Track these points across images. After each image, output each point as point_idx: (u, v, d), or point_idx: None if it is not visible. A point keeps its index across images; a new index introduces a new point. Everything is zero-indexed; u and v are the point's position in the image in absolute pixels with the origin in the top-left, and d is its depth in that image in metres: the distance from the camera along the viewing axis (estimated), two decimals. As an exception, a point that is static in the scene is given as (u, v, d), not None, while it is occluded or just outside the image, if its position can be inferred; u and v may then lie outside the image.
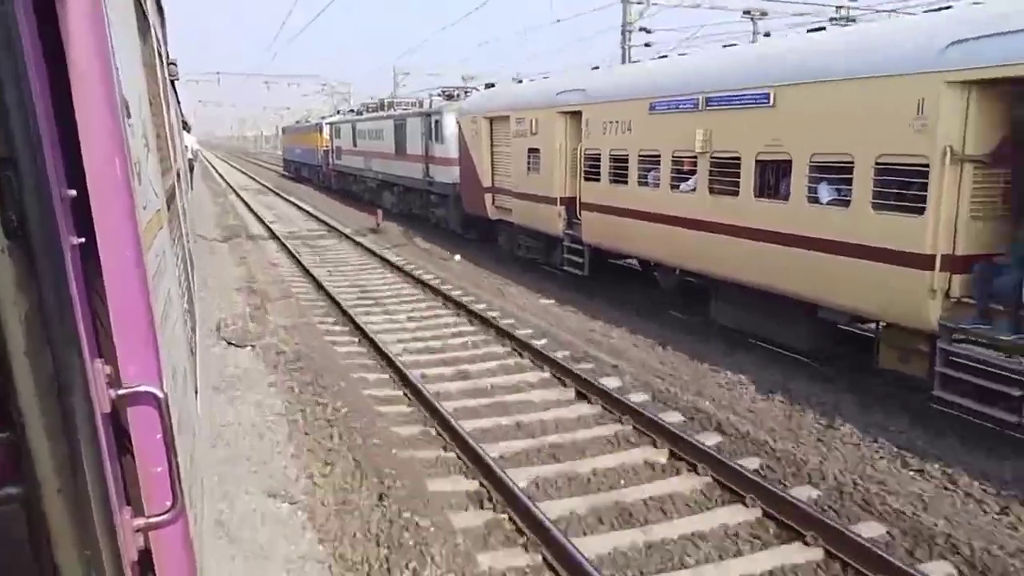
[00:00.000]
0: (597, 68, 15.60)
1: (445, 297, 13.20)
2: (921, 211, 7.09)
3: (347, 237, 21.48)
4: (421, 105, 25.60)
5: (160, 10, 5.38)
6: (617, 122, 12.11)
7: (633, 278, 14.43)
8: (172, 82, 8.19)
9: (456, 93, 22.51)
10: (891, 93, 7.31)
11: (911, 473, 6.40)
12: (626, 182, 11.91)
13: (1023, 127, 6.63)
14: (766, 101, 8.94)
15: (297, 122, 51.18)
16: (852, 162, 7.81)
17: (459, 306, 12.42)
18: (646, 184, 11.45)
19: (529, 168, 15.16)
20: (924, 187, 7.05)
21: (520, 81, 19.15)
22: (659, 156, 11.06)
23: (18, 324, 1.24)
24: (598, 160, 12.68)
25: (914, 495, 5.91)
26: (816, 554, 5.19)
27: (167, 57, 6.68)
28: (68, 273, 1.28)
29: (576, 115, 13.37)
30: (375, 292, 14.30)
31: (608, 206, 12.53)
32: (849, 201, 7.91)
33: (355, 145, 31.19)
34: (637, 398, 8.07)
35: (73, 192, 1.35)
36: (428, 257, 18.18)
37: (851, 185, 7.87)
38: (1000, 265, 6.61)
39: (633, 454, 6.85)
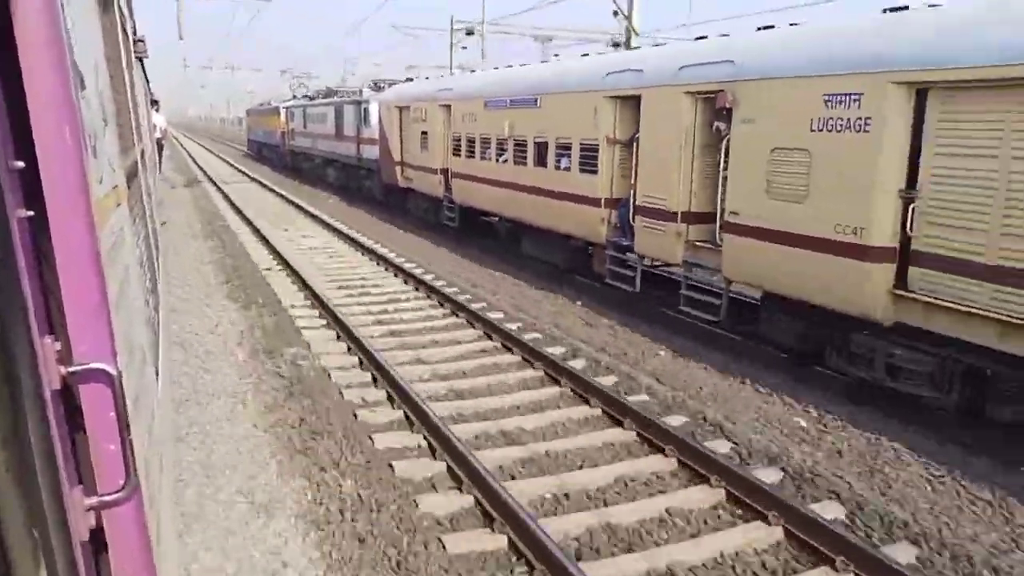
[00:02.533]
0: (467, 71, 20.46)
1: (350, 240, 18.01)
2: (596, 172, 12.07)
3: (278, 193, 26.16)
4: (360, 94, 30.20)
5: None
6: (470, 114, 16.96)
7: (491, 230, 19.32)
8: (140, 60, 8.07)
9: (382, 85, 27.14)
10: (584, 102, 12.26)
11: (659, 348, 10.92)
12: (474, 157, 16.79)
13: (641, 123, 11.52)
14: (535, 104, 13.87)
15: (260, 105, 55.19)
16: (571, 143, 12.77)
17: (369, 251, 17.24)
18: (486, 159, 16.32)
19: (422, 147, 19.97)
20: (597, 158, 12.02)
21: (426, 78, 23.94)
22: (490, 138, 15.94)
23: None
24: (460, 141, 17.54)
25: (659, 360, 10.28)
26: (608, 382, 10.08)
27: (134, 33, 6.57)
28: (15, 246, 1.24)
29: (447, 107, 18.21)
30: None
31: (467, 174, 17.40)
32: (570, 167, 12.87)
33: (305, 127, 35.68)
34: (461, 298, 12.88)
35: (21, 163, 1.31)
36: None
37: (570, 158, 12.83)
38: (624, 202, 11.61)
39: (458, 328, 11.72)
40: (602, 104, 11.80)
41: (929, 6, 7.74)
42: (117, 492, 1.48)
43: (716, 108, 9.36)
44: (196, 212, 23.44)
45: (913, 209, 7.17)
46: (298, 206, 24.67)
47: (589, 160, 12.31)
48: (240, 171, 39.96)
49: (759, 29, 9.90)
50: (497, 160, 15.68)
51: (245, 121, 64.56)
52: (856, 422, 7.32)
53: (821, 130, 7.90)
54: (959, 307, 6.74)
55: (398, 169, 22.10)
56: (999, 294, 6.47)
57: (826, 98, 7.81)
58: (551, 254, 14.63)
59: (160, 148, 24.98)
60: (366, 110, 25.77)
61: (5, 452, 1.22)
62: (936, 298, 6.98)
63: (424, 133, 19.76)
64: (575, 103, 12.55)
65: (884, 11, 8.14)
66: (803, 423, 7.37)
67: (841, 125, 7.67)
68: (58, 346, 1.40)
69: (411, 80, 25.15)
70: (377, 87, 27.45)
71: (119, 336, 1.63)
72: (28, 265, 1.30)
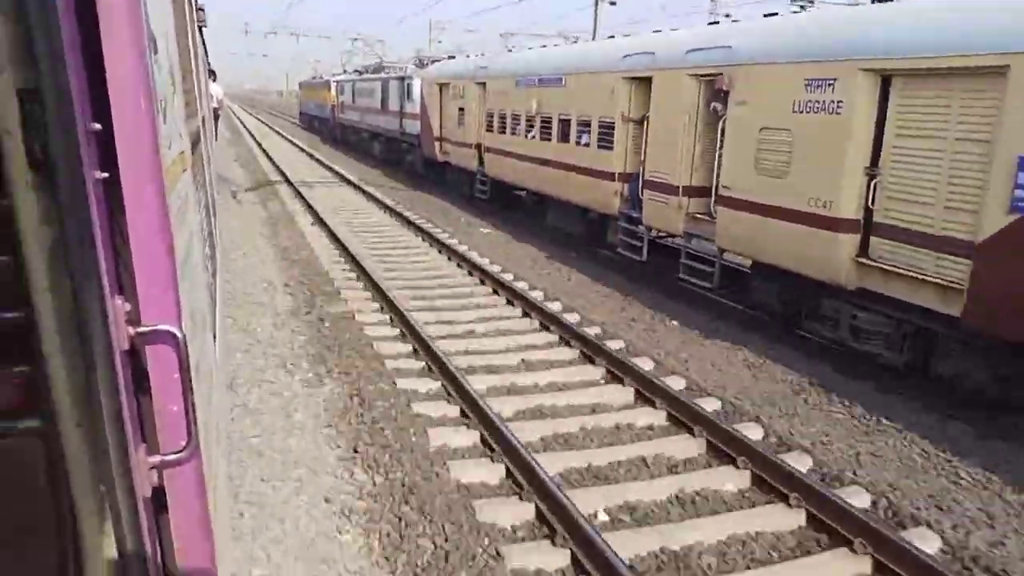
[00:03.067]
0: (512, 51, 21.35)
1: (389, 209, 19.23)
2: (612, 148, 12.96)
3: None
4: (405, 70, 31.33)
5: None
6: (503, 91, 17.92)
7: (520, 204, 20.31)
8: (200, 28, 8.42)
9: (426, 62, 28.21)
10: (603, 82, 13.12)
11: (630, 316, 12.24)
12: (505, 132, 17.77)
13: (652, 103, 12.32)
14: (561, 83, 14.77)
15: (312, 79, 56.86)
16: (591, 121, 13.66)
17: (410, 224, 18.46)
18: (516, 135, 17.29)
19: (459, 122, 21.01)
20: (613, 135, 12.90)
21: (465, 56, 24.89)
22: (520, 115, 16.89)
23: (41, 258, 1.25)
24: (492, 117, 18.53)
25: (638, 327, 11.54)
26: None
27: (195, 2, 6.86)
28: (91, 208, 1.27)
29: (483, 84, 19.19)
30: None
31: (498, 149, 18.40)
32: (589, 143, 13.77)
33: (354, 102, 37.03)
34: (482, 260, 13.98)
35: (98, 126, 1.35)
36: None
37: (590, 134, 13.73)
38: (635, 176, 12.49)
39: (462, 277, 12.84)
40: (619, 84, 12.66)
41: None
42: (179, 452, 1.53)
43: (715, 90, 10.18)
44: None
45: (875, 185, 7.95)
46: (373, 196, 26.06)
47: (606, 137, 13.19)
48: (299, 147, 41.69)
49: (765, 16, 10.65)
50: (526, 136, 16.63)
51: (298, 94, 66.49)
52: (793, 366, 8.33)
53: (801, 112, 8.69)
54: (912, 274, 7.54)
55: (437, 144, 23.20)
56: (942, 261, 7.26)
57: (806, 82, 8.60)
58: (572, 225, 15.58)
59: (216, 118, 26.56)
60: (409, 86, 26.88)
61: (76, 409, 1.26)
62: (893, 266, 7.78)
63: (461, 109, 20.79)
64: (596, 83, 13.43)
65: (872, 1, 8.87)
66: (749, 369, 8.34)
67: (818, 107, 8.46)
68: (128, 307, 1.44)
69: (453, 58, 26.16)
70: (421, 64, 28.53)
71: (185, 300, 1.67)
72: (102, 227, 1.33)
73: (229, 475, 3.92)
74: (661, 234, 12.35)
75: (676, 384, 7.63)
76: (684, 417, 6.69)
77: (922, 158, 7.43)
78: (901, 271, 7.67)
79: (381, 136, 31.84)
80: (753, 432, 6.58)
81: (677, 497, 5.54)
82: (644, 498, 5.48)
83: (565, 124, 14.78)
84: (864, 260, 8.13)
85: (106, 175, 1.38)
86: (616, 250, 13.38)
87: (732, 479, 5.81)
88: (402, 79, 28.04)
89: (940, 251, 7.28)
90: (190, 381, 1.54)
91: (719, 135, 10.31)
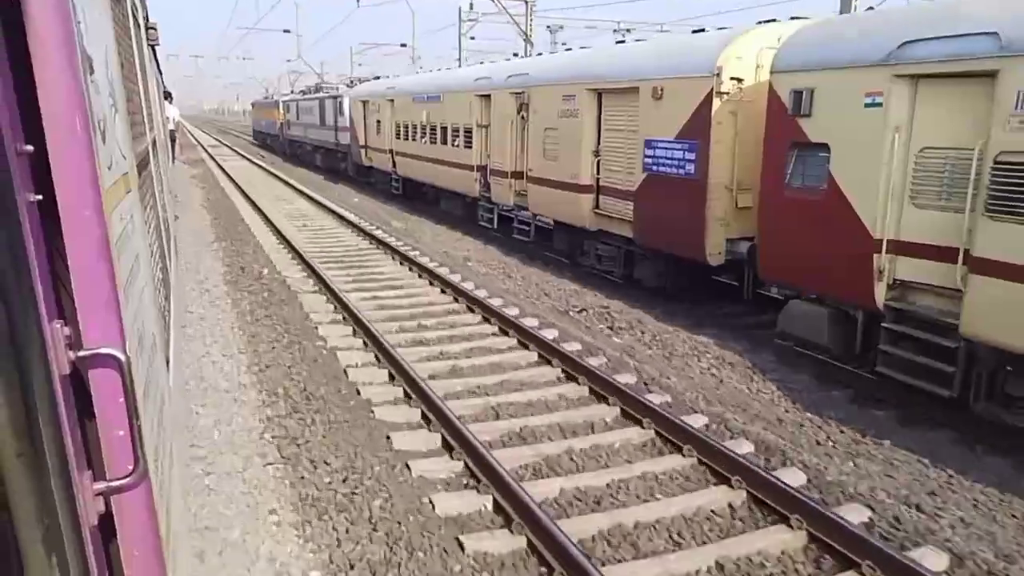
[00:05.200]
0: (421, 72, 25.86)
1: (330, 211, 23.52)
2: (471, 147, 17.48)
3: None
4: (338, 90, 35.64)
5: None
6: (405, 107, 22.39)
7: (423, 196, 24.68)
8: (152, 47, 8.04)
9: (354, 83, 32.56)
10: (464, 98, 17.65)
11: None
12: (408, 139, 22.23)
13: (491, 113, 16.78)
14: (439, 99, 19.31)
15: (263, 99, 60.75)
16: (459, 127, 18.19)
17: (337, 216, 22.78)
18: (415, 140, 21.75)
19: (377, 132, 25.42)
20: (472, 138, 17.43)
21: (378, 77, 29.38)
22: (417, 125, 21.36)
23: None
24: (399, 127, 22.98)
25: (485, 254, 16.20)
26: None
27: (146, 20, 6.58)
28: (24, 230, 1.24)
29: (392, 101, 23.65)
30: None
31: (404, 152, 22.85)
32: (458, 144, 18.29)
33: (298, 118, 41.21)
34: (389, 238, 18.28)
35: (30, 147, 1.32)
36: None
37: (459, 138, 18.25)
38: (485, 167, 17.00)
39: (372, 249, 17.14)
40: (473, 100, 17.21)
41: (637, 40, 13.13)
42: (126, 477, 1.50)
43: (522, 103, 14.76)
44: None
45: (598, 162, 12.56)
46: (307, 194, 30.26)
47: (468, 139, 17.72)
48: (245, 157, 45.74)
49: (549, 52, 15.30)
50: (421, 141, 21.12)
51: (251, 113, 70.23)
52: (568, 283, 12.85)
53: (562, 117, 13.29)
54: (618, 216, 12.12)
55: (362, 151, 27.58)
56: (627, 206, 11.86)
57: (563, 97, 13.20)
58: (455, 208, 20.10)
59: (172, 139, 25.94)
60: (341, 103, 31.22)
61: (16, 438, 1.22)
62: (611, 213, 12.36)
63: (378, 122, 25.21)
64: (460, 99, 17.97)
65: (636, 41, 13.53)
66: (539, 285, 12.86)
67: (569, 113, 13.06)
68: (67, 331, 1.41)
69: (377, 78, 30.62)
70: (350, 85, 32.88)
71: (128, 322, 1.64)
72: (37, 250, 1.30)
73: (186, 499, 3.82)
74: (503, 207, 16.88)
75: (496, 297, 12.08)
76: (493, 318, 11.09)
77: (617, 143, 12.05)
78: (613, 216, 12.27)
79: (321, 148, 36.10)
80: (529, 320, 11.00)
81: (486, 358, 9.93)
82: (464, 364, 9.83)
83: (444, 131, 19.29)
84: (597, 211, 12.72)
85: (40, 197, 1.36)
86: (478, 223, 17.90)
87: (525, 355, 10.24)
88: (335, 98, 32.37)
89: (626, 200, 11.88)
90: (136, 405, 1.51)
91: (526, 134, 14.90)
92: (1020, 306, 6.19)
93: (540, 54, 16.54)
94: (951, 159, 6.87)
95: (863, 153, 7.52)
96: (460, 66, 23.84)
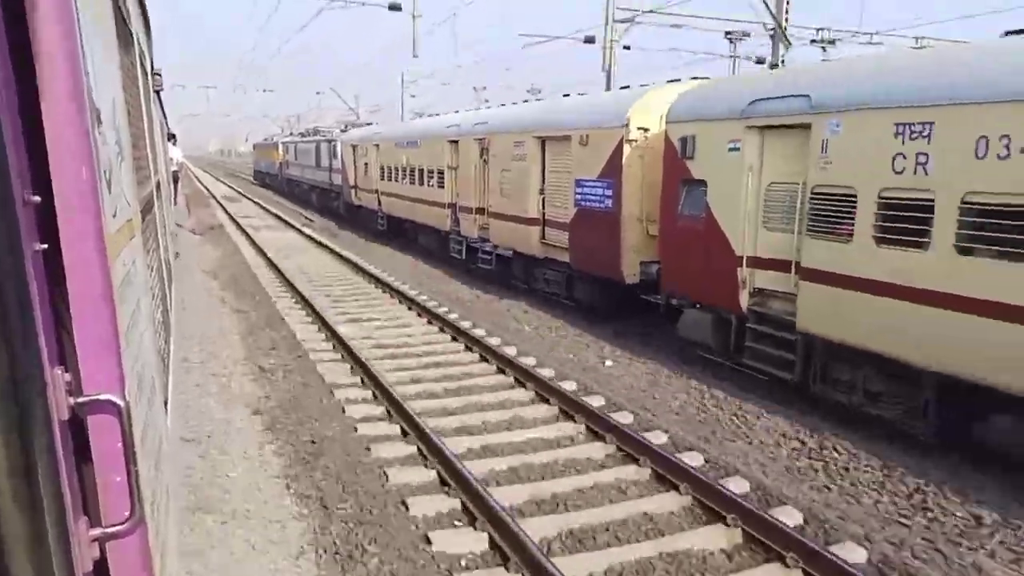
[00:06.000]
0: (418, 117, 28.03)
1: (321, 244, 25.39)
2: (444, 187, 19.40)
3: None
4: (332, 134, 37.90)
5: (146, 20, 5.48)
6: (389, 151, 24.43)
7: (406, 233, 26.53)
8: (157, 92, 8.18)
9: (347, 128, 34.80)
10: (438, 144, 19.64)
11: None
12: (392, 180, 24.21)
13: (459, 157, 18.70)
14: (417, 144, 21.32)
15: (264, 140, 63.35)
16: (433, 169, 20.14)
17: (328, 248, 24.63)
18: (397, 181, 23.72)
19: (365, 173, 27.45)
20: (444, 178, 19.36)
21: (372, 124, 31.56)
22: (399, 167, 23.36)
23: None
24: (383, 169, 24.99)
25: (446, 285, 17.98)
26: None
27: (151, 67, 6.75)
28: (29, 279, 1.27)
29: (377, 146, 25.72)
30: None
31: (389, 192, 24.81)
32: (433, 185, 20.22)
33: (296, 159, 43.48)
34: (376, 270, 20.04)
35: (37, 198, 1.35)
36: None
37: (434, 178, 20.18)
38: (455, 205, 18.89)
39: (338, 264, 18.91)
40: (445, 145, 19.19)
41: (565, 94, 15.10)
42: (122, 524, 1.50)
43: (483, 148, 16.70)
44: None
45: (544, 199, 14.41)
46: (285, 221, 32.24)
47: (441, 179, 19.66)
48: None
49: (513, 103, 17.30)
50: (402, 182, 23.08)
51: (253, 154, 72.89)
52: (518, 301, 14.57)
53: (514, 160, 15.20)
54: (558, 245, 13.91)
55: (352, 191, 29.60)
56: (564, 235, 13.65)
57: (515, 143, 15.12)
58: (431, 243, 21.96)
59: (175, 180, 26.38)
60: (334, 146, 33.40)
61: (12, 481, 1.23)
62: (553, 243, 14.16)
63: (366, 164, 27.26)
64: (435, 144, 19.96)
65: (575, 94, 15.52)
66: (499, 306, 14.58)
67: (520, 157, 14.96)
68: (68, 377, 1.43)
69: (368, 124, 32.85)
70: (344, 130, 35.13)
71: (128, 368, 1.67)
72: (41, 297, 1.33)
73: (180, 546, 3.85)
74: (471, 240, 18.71)
75: (460, 309, 13.81)
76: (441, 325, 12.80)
77: (558, 182, 13.91)
78: (556, 244, 14.06)
79: (316, 188, 38.21)
80: (479, 331, 12.72)
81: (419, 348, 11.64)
82: (410, 365, 11.53)
83: (422, 172, 21.26)
84: (544, 241, 14.53)
85: (45, 247, 1.39)
86: (451, 255, 19.72)
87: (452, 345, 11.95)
88: (329, 141, 34.57)
89: (564, 230, 13.69)
90: (134, 451, 1.52)
91: (487, 175, 16.80)
92: (832, 304, 7.93)
93: (502, 105, 18.56)
94: (787, 191, 8.68)
95: (729, 187, 9.33)
96: (402, 119, 26.07)
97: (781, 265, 8.76)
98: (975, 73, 6.71)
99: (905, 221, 7.11)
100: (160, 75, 8.46)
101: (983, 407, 6.89)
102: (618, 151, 11.67)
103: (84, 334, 1.48)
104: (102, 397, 1.47)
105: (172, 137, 24.67)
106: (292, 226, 29.38)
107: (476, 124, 17.39)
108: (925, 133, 6.85)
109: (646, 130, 11.47)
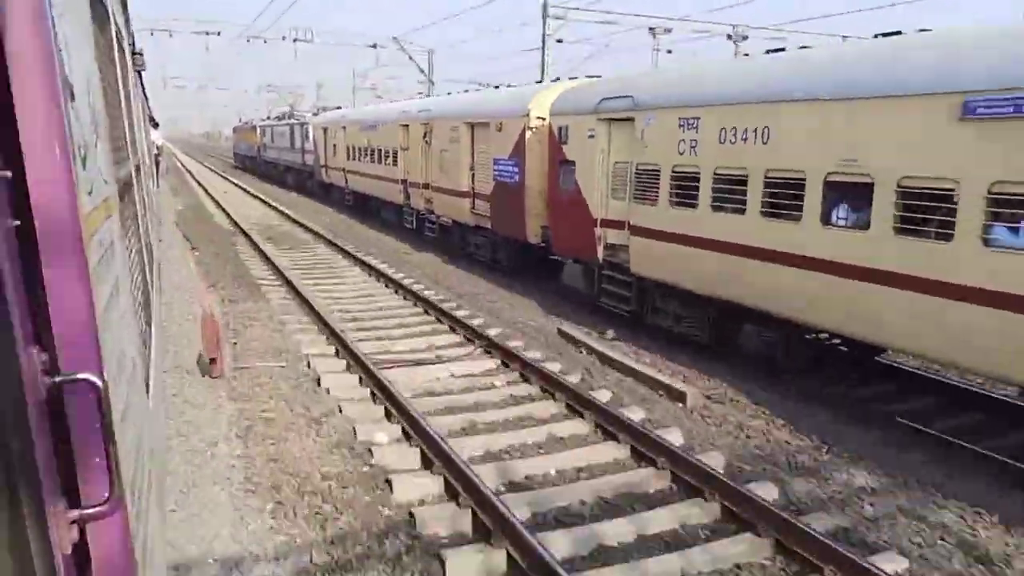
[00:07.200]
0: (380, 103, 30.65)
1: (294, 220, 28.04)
2: (397, 165, 22.13)
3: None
4: (304, 118, 40.35)
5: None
6: (354, 132, 27.05)
7: (369, 208, 29.23)
8: (138, 72, 8.06)
9: (318, 111, 37.30)
10: (392, 127, 22.32)
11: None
12: (357, 160, 26.86)
13: (408, 139, 21.42)
14: (375, 128, 24.00)
15: (243, 124, 65.44)
16: (388, 149, 22.83)
17: (296, 222, 27.30)
18: (361, 160, 26.37)
19: (334, 153, 30.07)
20: (397, 157, 22.08)
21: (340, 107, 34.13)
22: (362, 147, 26.01)
23: None
24: (350, 149, 27.64)
25: (396, 246, 20.73)
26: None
27: (131, 46, 6.61)
28: (1, 256, 1.26)
29: (344, 128, 28.33)
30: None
31: (353, 170, 27.48)
32: (389, 163, 22.92)
33: (272, 142, 45.86)
34: (340, 241, 22.73)
35: (8, 173, 1.34)
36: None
37: (390, 157, 22.88)
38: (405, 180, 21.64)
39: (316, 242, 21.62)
40: (398, 128, 21.89)
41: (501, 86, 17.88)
42: (100, 505, 1.48)
43: (427, 131, 19.44)
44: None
45: (473, 174, 17.20)
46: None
47: (394, 159, 22.38)
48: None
49: (461, 92, 20.02)
50: (364, 160, 25.76)
51: (232, 137, 74.85)
52: (459, 269, 17.40)
53: (451, 141, 17.95)
54: (484, 214, 16.71)
55: (323, 170, 32.21)
56: (487, 206, 16.45)
57: (451, 127, 17.88)
58: (391, 216, 24.72)
59: (156, 164, 26.42)
60: (307, 129, 35.91)
61: None
62: (481, 212, 16.96)
63: (335, 145, 29.87)
64: (390, 128, 22.65)
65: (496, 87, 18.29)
66: (437, 264, 17.41)
67: (455, 140, 17.72)
68: (44, 357, 1.42)
69: (338, 108, 35.42)
70: (316, 113, 37.64)
71: (106, 348, 1.64)
72: (14, 275, 1.31)
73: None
74: (420, 212, 21.50)
75: (411, 270, 16.60)
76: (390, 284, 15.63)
77: (482, 160, 16.69)
78: (482, 214, 16.87)
79: (291, 168, 40.72)
80: (431, 289, 15.54)
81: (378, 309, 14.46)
82: (372, 324, 14.34)
83: (380, 152, 23.95)
84: (474, 211, 17.33)
85: (18, 223, 1.36)
86: (404, 225, 22.51)
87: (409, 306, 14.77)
88: (302, 124, 37.07)
89: (487, 201, 16.49)
90: (112, 431, 1.50)
91: (429, 155, 19.56)
92: (648, 252, 10.83)
93: (440, 95, 21.29)
94: (624, 168, 11.52)
95: (589, 166, 12.18)
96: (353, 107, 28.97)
97: (621, 225, 11.63)
98: (720, 85, 9.60)
99: (686, 188, 10.00)
100: (142, 55, 8.43)
101: (740, 322, 9.85)
102: (522, 136, 14.47)
103: (59, 313, 1.45)
104: (80, 376, 1.45)
105: (154, 122, 26.24)
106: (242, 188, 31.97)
107: (420, 111, 20.12)
108: (694, 125, 9.73)
109: (543, 119, 14.26)
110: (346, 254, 18.40)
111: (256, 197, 35.01)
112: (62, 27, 1.60)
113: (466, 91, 21.15)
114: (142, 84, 10.32)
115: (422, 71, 28.57)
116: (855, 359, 9.81)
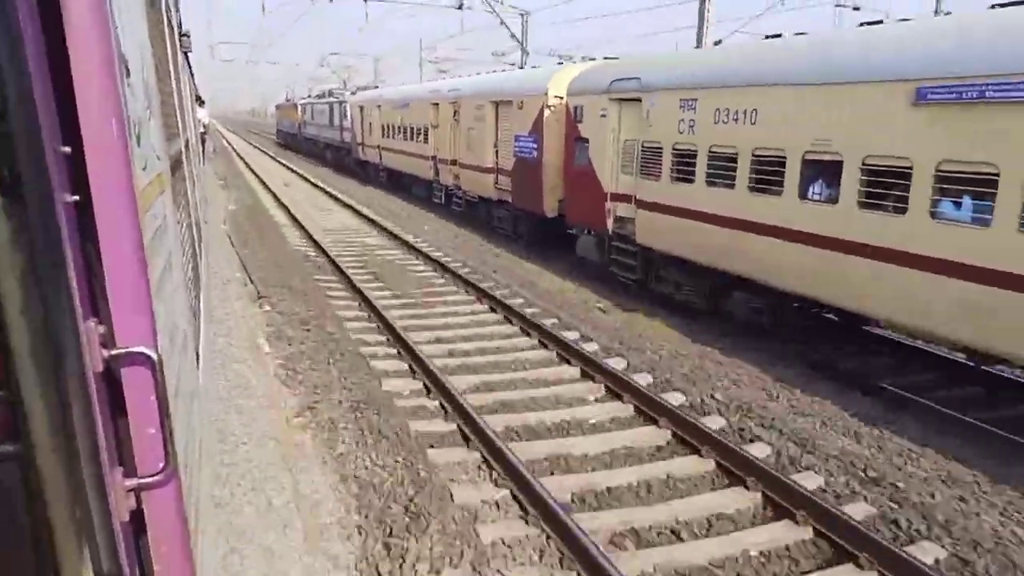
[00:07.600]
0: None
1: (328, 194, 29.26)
2: (428, 142, 23.07)
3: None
4: (343, 96, 41.47)
5: None
6: (389, 111, 28.06)
7: (402, 184, 30.26)
8: (185, 54, 8.40)
9: (356, 91, 38.39)
10: (424, 106, 23.24)
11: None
12: (391, 137, 27.89)
13: (438, 117, 22.31)
14: (407, 106, 24.95)
15: (286, 101, 67.03)
16: (420, 127, 23.78)
17: (334, 198, 28.51)
18: (395, 137, 27.39)
19: (370, 131, 31.15)
20: (428, 135, 23.02)
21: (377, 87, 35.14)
22: (396, 125, 27.00)
23: (14, 282, 1.25)
24: (384, 127, 28.67)
25: (431, 219, 21.77)
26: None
27: (179, 27, 6.80)
28: (62, 231, 1.29)
29: (379, 106, 29.35)
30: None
31: (387, 147, 28.52)
32: (419, 140, 23.88)
33: (313, 119, 47.19)
34: (367, 210, 23.85)
35: (68, 149, 1.37)
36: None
37: (420, 134, 23.84)
38: (435, 157, 22.59)
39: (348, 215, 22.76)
40: (428, 107, 22.80)
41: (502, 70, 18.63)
42: (156, 475, 1.54)
43: (455, 110, 20.31)
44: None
45: (497, 151, 18.05)
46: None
47: (425, 136, 23.32)
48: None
49: (477, 73, 20.83)
50: (397, 138, 26.77)
51: (276, 114, 76.65)
52: (481, 238, 18.35)
53: (477, 120, 18.80)
54: (507, 188, 17.58)
55: (360, 148, 33.35)
56: (509, 181, 17.30)
57: (476, 106, 18.72)
58: (422, 191, 25.74)
59: (203, 142, 24.94)
60: (345, 107, 37.04)
61: (51, 434, 1.27)
62: (504, 187, 17.83)
63: (370, 123, 30.93)
64: (421, 106, 23.58)
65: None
66: (456, 237, 18.39)
67: (480, 118, 18.56)
68: (102, 329, 1.45)
69: (376, 87, 36.47)
70: (353, 92, 38.74)
71: (160, 321, 1.68)
72: (73, 250, 1.34)
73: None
74: (448, 188, 22.45)
75: (420, 236, 17.62)
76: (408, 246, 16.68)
77: (506, 137, 17.52)
78: (505, 188, 17.74)
79: (331, 145, 42.01)
80: (450, 260, 16.53)
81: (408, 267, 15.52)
82: (395, 279, 15.41)
83: (412, 130, 24.92)
84: (497, 186, 18.21)
85: (76, 198, 1.39)
86: (433, 200, 23.50)
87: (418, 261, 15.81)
88: (341, 103, 38.21)
89: (508, 176, 17.35)
90: (167, 403, 1.55)
91: (459, 132, 20.45)
92: (652, 224, 11.61)
93: (478, 74, 22.11)
94: (632, 145, 12.27)
95: (601, 143, 12.95)
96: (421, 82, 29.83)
97: (629, 199, 12.41)
98: (716, 69, 10.29)
99: (685, 165, 10.74)
100: (188, 36, 8.64)
101: (729, 288, 10.63)
102: (541, 113, 15.26)
103: (116, 287, 1.48)
104: (135, 350, 1.49)
105: (200, 100, 28.13)
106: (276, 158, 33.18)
107: (450, 90, 20.99)
108: (693, 106, 10.44)
109: (560, 98, 15.03)
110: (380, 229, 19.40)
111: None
112: (117, 4, 1.63)
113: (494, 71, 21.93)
114: (188, 63, 10.68)
115: (514, 37, 28.38)
116: (844, 328, 10.51)
